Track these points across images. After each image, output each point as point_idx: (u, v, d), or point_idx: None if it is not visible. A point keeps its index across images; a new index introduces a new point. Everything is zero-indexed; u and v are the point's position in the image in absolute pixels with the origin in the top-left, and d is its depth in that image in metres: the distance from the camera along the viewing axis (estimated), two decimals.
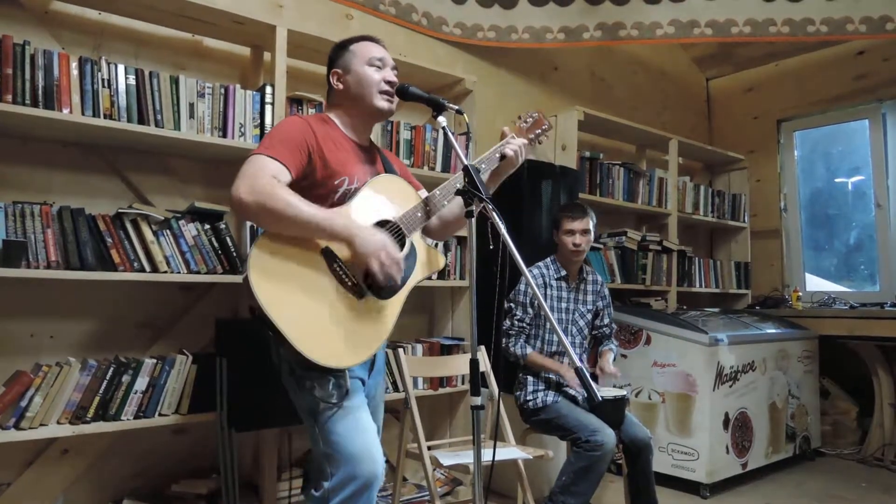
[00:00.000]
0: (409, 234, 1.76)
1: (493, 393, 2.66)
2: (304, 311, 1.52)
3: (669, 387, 3.39)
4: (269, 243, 1.53)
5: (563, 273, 2.78)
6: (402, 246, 1.73)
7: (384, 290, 1.66)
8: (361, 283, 1.63)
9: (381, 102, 1.80)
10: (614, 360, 2.81)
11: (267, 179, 1.52)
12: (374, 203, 1.73)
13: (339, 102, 1.85)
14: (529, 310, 2.72)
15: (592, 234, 2.75)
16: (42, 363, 2.11)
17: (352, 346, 1.60)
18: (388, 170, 1.90)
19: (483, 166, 1.87)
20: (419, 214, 1.80)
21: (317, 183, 1.67)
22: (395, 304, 1.71)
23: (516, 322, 2.71)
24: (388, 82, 1.81)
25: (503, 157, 1.90)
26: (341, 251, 1.61)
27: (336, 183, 1.69)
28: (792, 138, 5.02)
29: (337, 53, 1.87)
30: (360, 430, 1.60)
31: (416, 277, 1.77)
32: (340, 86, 1.83)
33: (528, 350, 2.68)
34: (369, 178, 1.77)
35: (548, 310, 1.57)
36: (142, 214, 2.24)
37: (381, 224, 1.70)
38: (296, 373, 1.61)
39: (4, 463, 2.24)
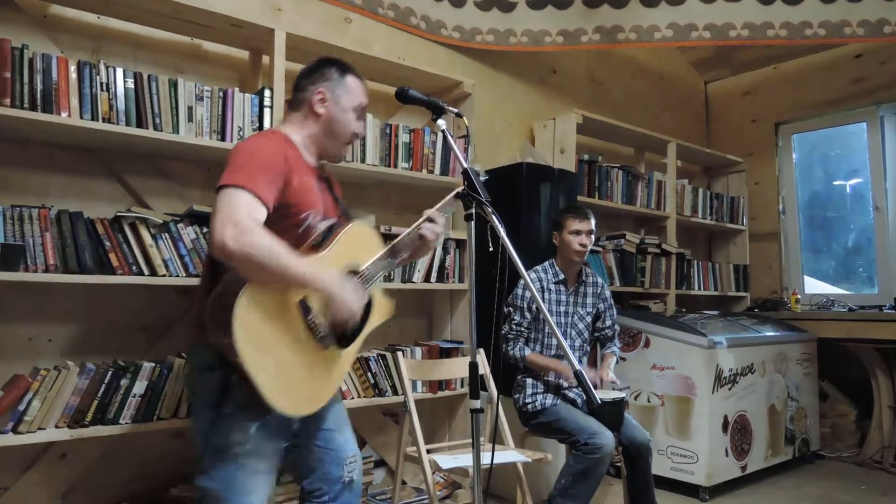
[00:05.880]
0: (371, 284, 1.73)
1: (492, 396, 2.65)
2: (278, 364, 1.49)
3: (668, 390, 3.39)
4: (254, 291, 1.45)
5: (562, 276, 2.78)
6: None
7: (346, 340, 1.66)
8: (329, 334, 1.60)
9: (344, 152, 1.80)
10: (616, 363, 2.80)
11: (253, 225, 1.43)
12: (346, 252, 1.67)
13: (306, 124, 1.77)
14: (527, 314, 2.71)
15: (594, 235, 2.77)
16: (40, 367, 2.11)
17: (313, 396, 1.60)
18: (333, 196, 1.84)
19: (403, 245, 1.81)
20: (382, 265, 1.76)
21: (284, 215, 1.59)
22: (351, 353, 1.72)
23: (514, 326, 2.71)
24: (357, 136, 1.82)
25: (421, 237, 1.83)
26: (316, 303, 1.57)
27: (302, 217, 1.63)
28: (790, 141, 5.02)
29: (330, 73, 1.78)
30: (245, 492, 1.54)
31: (371, 327, 1.77)
32: (322, 111, 1.75)
33: (527, 351, 2.68)
34: (322, 206, 1.71)
35: (547, 313, 1.57)
36: (140, 218, 2.24)
37: (351, 274, 1.66)
38: (225, 409, 1.54)
39: (2, 467, 2.23)
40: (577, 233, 2.71)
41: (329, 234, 1.66)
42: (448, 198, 1.87)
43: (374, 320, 1.78)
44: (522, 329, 2.72)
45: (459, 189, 1.86)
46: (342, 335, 1.65)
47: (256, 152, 1.58)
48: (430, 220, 1.84)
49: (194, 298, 1.67)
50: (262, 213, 1.49)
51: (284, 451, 1.67)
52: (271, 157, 1.58)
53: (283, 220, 1.58)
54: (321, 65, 1.81)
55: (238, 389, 1.49)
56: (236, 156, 1.56)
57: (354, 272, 1.68)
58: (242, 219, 1.42)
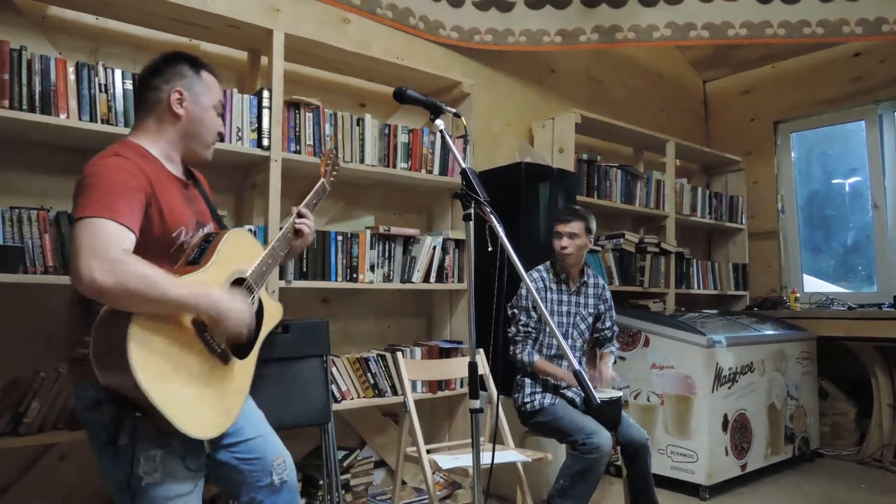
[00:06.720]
0: (259, 288, 1.69)
1: (492, 396, 2.66)
2: (182, 389, 1.41)
3: (668, 389, 3.39)
4: (145, 318, 1.35)
5: (563, 276, 2.78)
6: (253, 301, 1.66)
7: (244, 351, 1.62)
8: (227, 348, 1.54)
9: (210, 154, 1.72)
10: (614, 362, 2.80)
11: (122, 255, 1.32)
12: (229, 261, 1.59)
13: (163, 129, 1.62)
14: (533, 313, 2.70)
15: (584, 238, 2.72)
16: (40, 369, 2.10)
17: (224, 413, 1.53)
18: (205, 198, 1.78)
19: (280, 246, 1.80)
20: (265, 269, 1.71)
21: (153, 238, 1.49)
22: (251, 361, 1.66)
23: (521, 328, 2.70)
24: (221, 135, 1.75)
25: (297, 232, 1.87)
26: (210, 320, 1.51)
27: (173, 236, 1.54)
28: (789, 140, 5.03)
29: (184, 70, 1.65)
30: None
31: (265, 331, 1.73)
32: (181, 111, 1.61)
33: (536, 357, 2.67)
34: (194, 217, 1.64)
35: (547, 315, 1.57)
36: None
37: (238, 282, 1.60)
38: (121, 441, 1.42)
39: (2, 469, 2.23)
40: (558, 235, 2.73)
41: (207, 245, 1.57)
42: (315, 189, 1.98)
43: (268, 325, 1.75)
44: (530, 330, 2.70)
45: (323, 181, 2.04)
46: (240, 346, 1.60)
47: (111, 175, 1.43)
48: (300, 215, 1.89)
49: (66, 336, 1.54)
50: (131, 241, 1.39)
51: (206, 474, 1.57)
52: (129, 178, 1.45)
53: (153, 242, 1.49)
54: (171, 61, 1.65)
55: (135, 420, 1.39)
56: (90, 182, 1.41)
57: (241, 279, 1.62)
58: (111, 250, 1.31)
